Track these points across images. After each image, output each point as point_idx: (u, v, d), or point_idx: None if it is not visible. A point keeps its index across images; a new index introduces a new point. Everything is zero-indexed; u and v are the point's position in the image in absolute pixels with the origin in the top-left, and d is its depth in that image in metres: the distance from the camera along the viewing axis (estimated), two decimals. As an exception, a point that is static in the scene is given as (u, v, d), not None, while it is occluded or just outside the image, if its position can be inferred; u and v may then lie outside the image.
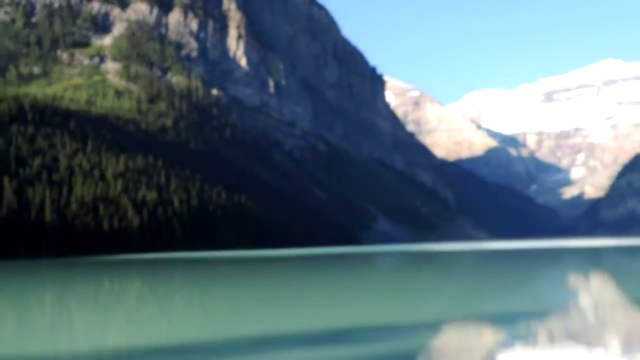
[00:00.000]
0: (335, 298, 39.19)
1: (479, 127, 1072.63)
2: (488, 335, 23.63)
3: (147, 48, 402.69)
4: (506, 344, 21.01)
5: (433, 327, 25.57)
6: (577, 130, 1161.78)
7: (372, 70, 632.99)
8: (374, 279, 61.11)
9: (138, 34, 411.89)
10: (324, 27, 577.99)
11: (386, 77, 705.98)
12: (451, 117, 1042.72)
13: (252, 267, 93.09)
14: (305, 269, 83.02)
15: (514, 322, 25.74)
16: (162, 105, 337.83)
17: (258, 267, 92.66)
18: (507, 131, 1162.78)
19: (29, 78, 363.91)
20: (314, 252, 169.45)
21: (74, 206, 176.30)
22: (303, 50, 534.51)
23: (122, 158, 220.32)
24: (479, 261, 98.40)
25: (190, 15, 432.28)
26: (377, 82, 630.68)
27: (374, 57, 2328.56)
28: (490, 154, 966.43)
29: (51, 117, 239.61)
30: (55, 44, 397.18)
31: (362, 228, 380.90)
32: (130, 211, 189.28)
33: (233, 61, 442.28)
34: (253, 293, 45.10)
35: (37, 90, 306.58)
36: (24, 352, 21.66)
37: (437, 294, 42.56)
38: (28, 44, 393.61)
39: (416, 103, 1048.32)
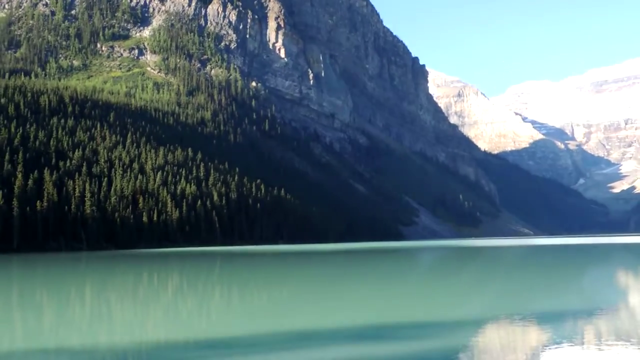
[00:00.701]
0: (377, 293, 37.43)
1: (524, 119, 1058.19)
2: (532, 334, 22.13)
3: (186, 40, 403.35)
4: (551, 343, 19.86)
5: (476, 324, 24.28)
6: (627, 122, 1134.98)
7: (414, 61, 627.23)
8: (416, 274, 59.46)
9: (177, 25, 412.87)
10: (365, 17, 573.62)
11: (429, 68, 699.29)
12: (495, 109, 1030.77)
13: (291, 261, 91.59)
14: (345, 264, 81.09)
15: (560, 321, 24.55)
16: (201, 98, 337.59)
17: (297, 261, 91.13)
18: (554, 123, 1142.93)
19: (69, 71, 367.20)
20: (355, 247, 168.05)
21: (113, 199, 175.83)
22: (343, 41, 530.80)
23: (162, 151, 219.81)
24: (524, 257, 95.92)
25: (229, 6, 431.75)
26: (419, 73, 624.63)
27: (416, 47, 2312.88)
28: (536, 146, 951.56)
29: (91, 109, 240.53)
30: (94, 36, 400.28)
31: (404, 222, 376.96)
32: (169, 204, 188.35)
33: (272, 52, 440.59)
34: (292, 287, 43.67)
35: (77, 83, 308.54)
36: (64, 344, 21.04)
37: (481, 290, 41.02)
38: (68, 37, 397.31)
39: (459, 95, 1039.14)
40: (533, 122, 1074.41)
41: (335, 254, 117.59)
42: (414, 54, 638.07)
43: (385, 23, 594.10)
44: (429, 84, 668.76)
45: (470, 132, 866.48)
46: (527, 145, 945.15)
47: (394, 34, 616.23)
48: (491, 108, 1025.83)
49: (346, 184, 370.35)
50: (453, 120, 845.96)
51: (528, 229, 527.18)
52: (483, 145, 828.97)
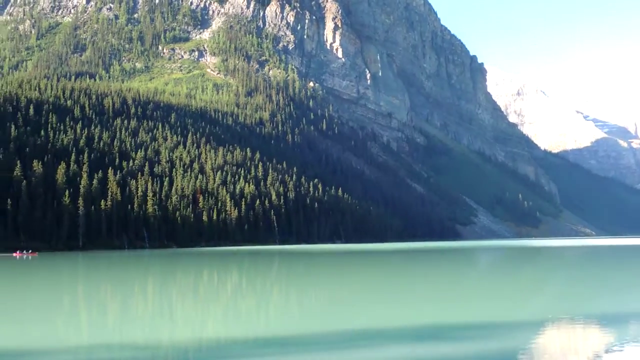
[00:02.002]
0: (435, 293, 37.44)
1: (585, 117, 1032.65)
2: (594, 336, 21.93)
3: (244, 41, 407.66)
4: (612, 346, 19.56)
5: (536, 325, 24.04)
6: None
7: (473, 59, 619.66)
8: (474, 274, 58.82)
9: (236, 27, 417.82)
10: (422, 16, 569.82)
11: (487, 66, 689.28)
12: (556, 107, 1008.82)
13: (349, 260, 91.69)
14: (403, 264, 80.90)
15: (622, 323, 24.12)
16: (259, 98, 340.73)
17: (355, 260, 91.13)
18: (616, 121, 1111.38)
19: (132, 73, 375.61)
20: (412, 247, 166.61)
21: (174, 198, 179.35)
22: (400, 40, 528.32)
23: (221, 151, 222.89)
24: (585, 258, 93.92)
25: (287, 7, 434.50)
26: (477, 72, 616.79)
27: (475, 45, 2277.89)
28: (597, 145, 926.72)
29: (153, 111, 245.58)
30: (156, 39, 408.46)
31: (462, 222, 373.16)
32: (228, 204, 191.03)
33: (329, 53, 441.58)
34: (350, 286, 43.77)
35: (140, 85, 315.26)
36: (127, 339, 21.76)
37: (541, 291, 40.39)
38: (131, 40, 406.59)
39: (519, 93, 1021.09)
40: (595, 120, 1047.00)
41: (393, 253, 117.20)
42: (472, 52, 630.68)
43: (442, 21, 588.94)
44: (487, 82, 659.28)
45: (529, 131, 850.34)
46: (589, 144, 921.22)
47: (452, 32, 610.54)
48: (551, 106, 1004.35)
49: (403, 184, 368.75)
50: (512, 118, 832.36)
51: (590, 230, 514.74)
52: (543, 144, 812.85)
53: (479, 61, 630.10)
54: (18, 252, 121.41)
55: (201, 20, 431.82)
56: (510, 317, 26.56)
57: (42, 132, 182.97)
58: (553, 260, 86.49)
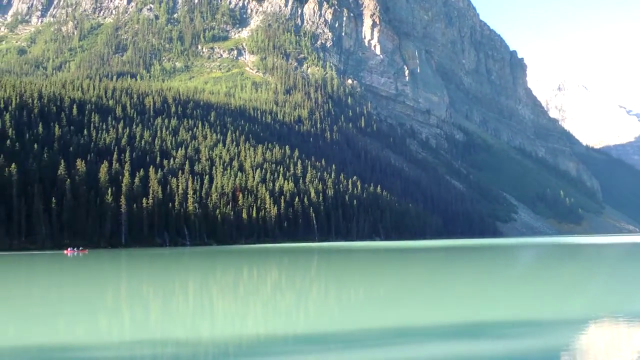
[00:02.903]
0: (475, 290, 37.29)
1: (628, 112, 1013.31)
2: (636, 335, 21.58)
3: (283, 40, 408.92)
4: None
5: (577, 323, 23.94)
6: None
7: (512, 54, 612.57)
8: (515, 271, 58.58)
9: (274, 26, 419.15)
10: (461, 12, 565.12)
11: (527, 61, 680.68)
12: (598, 102, 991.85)
13: (388, 257, 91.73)
14: (442, 261, 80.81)
15: None
16: (297, 96, 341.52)
17: (394, 257, 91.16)
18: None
19: (172, 72, 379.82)
20: (452, 244, 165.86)
21: (214, 196, 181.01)
22: (439, 37, 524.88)
23: (260, 149, 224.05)
24: (628, 255, 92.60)
25: (325, 5, 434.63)
26: (517, 67, 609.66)
27: (514, 40, 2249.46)
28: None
29: (193, 109, 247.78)
30: (195, 38, 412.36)
31: (502, 219, 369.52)
32: (268, 201, 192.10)
33: (368, 50, 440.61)
34: (389, 284, 43.87)
35: (180, 84, 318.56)
36: (169, 335, 22.19)
37: (583, 289, 40.10)
38: (171, 40, 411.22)
39: (560, 88, 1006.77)
40: (638, 115, 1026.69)
41: (432, 250, 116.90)
42: (511, 48, 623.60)
43: (481, 17, 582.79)
44: (527, 78, 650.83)
45: (571, 126, 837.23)
46: (632, 139, 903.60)
47: (491, 27, 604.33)
48: (593, 101, 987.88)
49: (443, 180, 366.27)
50: (553, 114, 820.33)
51: (633, 226, 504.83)
52: (585, 139, 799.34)
53: (519, 56, 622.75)
54: (69, 249, 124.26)
55: (240, 19, 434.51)
56: (553, 315, 26.33)
57: (85, 132, 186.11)
58: (595, 258, 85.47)
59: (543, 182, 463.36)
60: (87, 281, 50.30)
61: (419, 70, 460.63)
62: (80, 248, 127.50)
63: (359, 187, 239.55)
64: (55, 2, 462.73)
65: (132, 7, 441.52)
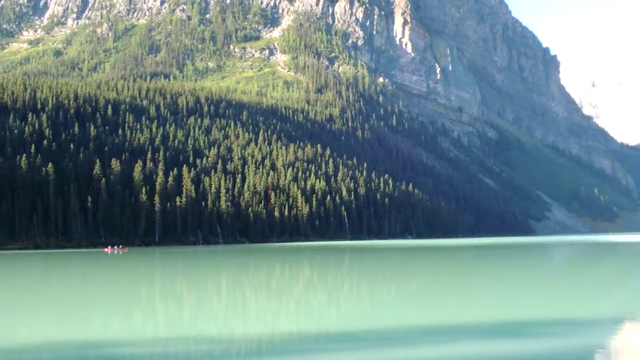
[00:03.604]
0: (508, 289, 36.96)
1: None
2: None
3: (314, 39, 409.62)
4: None
5: (611, 323, 23.40)
6: None
7: (545, 51, 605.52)
8: (548, 270, 57.83)
9: (305, 25, 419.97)
10: (493, 9, 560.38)
11: (560, 58, 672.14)
12: (632, 98, 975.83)
13: (420, 255, 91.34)
14: (475, 259, 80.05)
15: None
16: (329, 95, 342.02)
17: (426, 256, 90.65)
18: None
19: (205, 72, 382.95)
20: (484, 242, 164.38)
21: (246, 195, 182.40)
22: (470, 34, 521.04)
23: (292, 148, 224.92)
24: None
25: (356, 3, 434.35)
26: (550, 64, 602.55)
27: (547, 37, 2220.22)
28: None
29: (225, 109, 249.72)
30: (228, 38, 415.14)
31: (535, 217, 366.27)
32: (299, 199, 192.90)
33: (399, 48, 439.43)
34: (421, 282, 43.80)
35: (212, 84, 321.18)
36: (202, 332, 22.35)
37: (618, 288, 39.27)
38: (203, 40, 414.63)
39: (593, 85, 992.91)
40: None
41: (465, 249, 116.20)
42: (544, 44, 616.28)
43: (514, 14, 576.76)
44: (560, 75, 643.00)
45: (605, 123, 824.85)
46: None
47: (524, 24, 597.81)
48: (628, 97, 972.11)
49: (475, 178, 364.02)
50: (587, 111, 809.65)
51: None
52: (619, 136, 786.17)
53: (552, 53, 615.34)
54: (109, 247, 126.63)
55: (271, 18, 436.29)
56: (588, 314, 26.11)
57: (120, 132, 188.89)
58: (631, 256, 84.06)
59: (577, 179, 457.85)
60: (130, 278, 51.32)
61: (450, 68, 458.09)
62: (121, 246, 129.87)
63: (391, 186, 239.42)
64: (90, 4, 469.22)
65: (165, 8, 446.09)
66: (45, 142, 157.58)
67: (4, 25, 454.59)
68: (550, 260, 78.07)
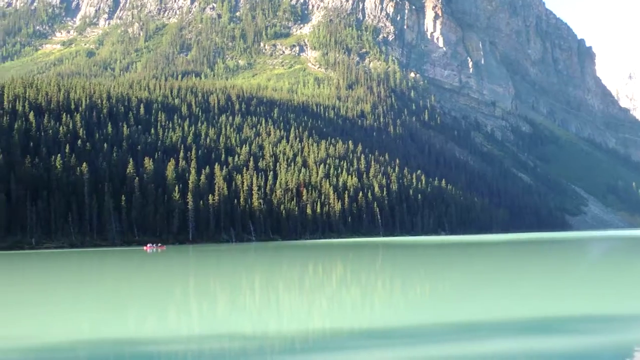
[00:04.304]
0: (544, 285, 36.40)
1: None
2: None
3: (344, 34, 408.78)
4: None
5: None
6: None
7: (580, 43, 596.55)
8: (586, 266, 56.91)
9: (335, 21, 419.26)
10: (526, 1, 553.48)
11: (596, 50, 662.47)
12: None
13: (453, 252, 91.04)
14: (510, 255, 79.37)
15: None
16: (360, 91, 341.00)
17: (460, 252, 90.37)
18: None
19: (235, 70, 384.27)
20: (519, 238, 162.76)
21: (278, 192, 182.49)
22: (503, 27, 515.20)
23: (323, 144, 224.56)
24: None
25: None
26: (585, 56, 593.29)
27: (582, 28, 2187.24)
28: None
29: (256, 106, 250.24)
30: (258, 36, 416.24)
31: (571, 212, 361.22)
32: (332, 196, 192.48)
33: (430, 42, 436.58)
34: (455, 278, 43.37)
35: (243, 82, 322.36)
36: (236, 329, 22.47)
37: None
38: (233, 38, 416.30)
39: (630, 76, 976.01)
40: None
41: (499, 244, 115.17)
42: (579, 36, 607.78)
43: (547, 5, 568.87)
44: (596, 67, 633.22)
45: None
46: None
47: (557, 16, 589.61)
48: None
49: (509, 173, 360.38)
50: (624, 103, 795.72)
51: None
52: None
53: (587, 45, 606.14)
54: (148, 245, 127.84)
55: (301, 15, 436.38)
56: (627, 310, 25.56)
57: (152, 130, 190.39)
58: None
59: (614, 173, 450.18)
60: (171, 276, 51.88)
61: (483, 62, 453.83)
62: (159, 245, 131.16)
63: (423, 181, 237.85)
64: (121, 4, 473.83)
65: (195, 7, 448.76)
66: (79, 142, 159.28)
67: (38, 27, 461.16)
68: (588, 256, 77.01)
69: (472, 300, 29.67)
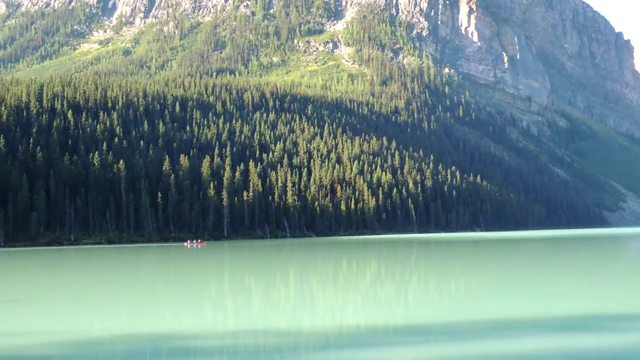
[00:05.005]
0: (581, 283, 35.80)
1: None
2: None
3: (378, 30, 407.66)
4: None
5: None
6: None
7: (618, 36, 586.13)
8: (623, 263, 55.60)
9: (369, 17, 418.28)
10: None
11: (635, 43, 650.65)
12: None
13: (489, 248, 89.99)
14: (546, 252, 78.02)
15: None
16: (394, 87, 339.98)
17: (495, 248, 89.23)
18: None
19: (269, 67, 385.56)
20: (556, 234, 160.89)
21: (313, 188, 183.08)
22: (539, 21, 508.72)
23: (357, 141, 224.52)
24: None
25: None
26: (623, 49, 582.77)
27: (620, 21, 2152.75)
28: None
29: (290, 103, 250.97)
30: (291, 33, 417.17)
31: (609, 208, 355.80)
32: (366, 193, 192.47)
33: (464, 37, 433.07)
34: (490, 276, 42.87)
35: (277, 79, 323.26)
36: (270, 325, 22.58)
37: None
38: (267, 35, 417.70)
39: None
40: None
41: (535, 241, 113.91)
42: (617, 29, 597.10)
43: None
44: (635, 60, 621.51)
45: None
46: None
47: (594, 9, 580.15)
48: None
49: (545, 169, 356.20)
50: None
51: None
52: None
53: (625, 38, 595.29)
54: (189, 241, 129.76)
55: (335, 11, 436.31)
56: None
57: (188, 128, 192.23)
58: None
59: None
60: (211, 271, 52.19)
61: (518, 57, 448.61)
62: (199, 240, 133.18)
63: (458, 178, 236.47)
64: (156, 4, 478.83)
65: (229, 4, 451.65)
66: (116, 139, 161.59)
67: (75, 27, 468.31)
68: (624, 253, 75.46)
69: (507, 297, 29.44)
